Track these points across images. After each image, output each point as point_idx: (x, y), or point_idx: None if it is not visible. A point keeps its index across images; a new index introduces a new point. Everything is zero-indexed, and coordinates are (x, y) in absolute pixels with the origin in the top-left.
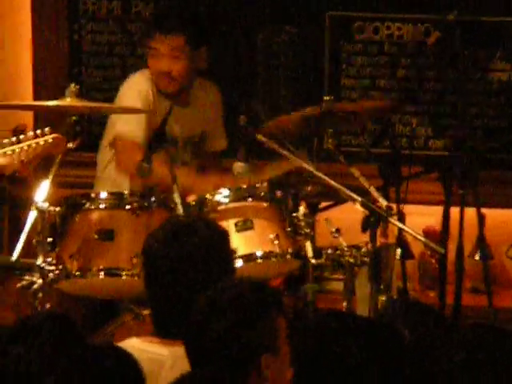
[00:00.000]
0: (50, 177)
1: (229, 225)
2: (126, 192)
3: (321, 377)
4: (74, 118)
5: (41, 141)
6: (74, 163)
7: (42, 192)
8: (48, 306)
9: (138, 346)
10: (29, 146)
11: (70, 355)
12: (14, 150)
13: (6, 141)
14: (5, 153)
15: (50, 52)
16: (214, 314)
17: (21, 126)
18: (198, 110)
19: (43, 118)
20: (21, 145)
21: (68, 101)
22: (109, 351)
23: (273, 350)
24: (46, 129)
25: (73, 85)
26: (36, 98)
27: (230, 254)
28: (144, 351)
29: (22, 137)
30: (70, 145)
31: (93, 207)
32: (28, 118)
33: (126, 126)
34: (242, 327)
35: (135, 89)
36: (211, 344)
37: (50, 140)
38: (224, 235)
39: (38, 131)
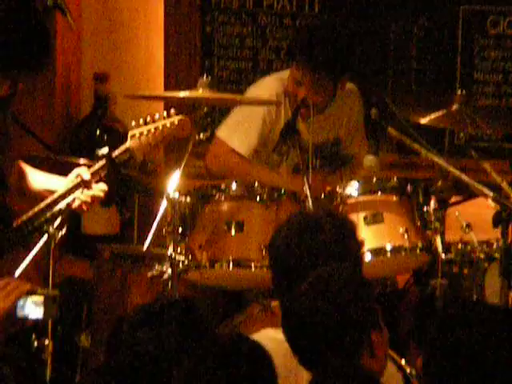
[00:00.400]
0: (181, 167)
1: (358, 218)
2: (256, 183)
3: (453, 366)
4: (205, 109)
5: (167, 122)
6: (205, 154)
7: (173, 182)
8: (177, 295)
9: (275, 336)
10: (156, 128)
11: (198, 342)
12: (141, 133)
13: (133, 123)
14: (133, 135)
15: (182, 43)
16: (323, 294)
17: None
18: (333, 115)
19: (174, 109)
20: (148, 127)
21: (200, 92)
22: (239, 341)
23: (379, 327)
24: (172, 110)
25: (205, 76)
26: (167, 89)
27: (358, 249)
28: (282, 341)
29: (148, 118)
30: (201, 136)
31: (223, 198)
32: (160, 108)
33: (234, 136)
34: (353, 304)
35: (264, 92)
36: (323, 326)
37: (176, 122)
38: (351, 230)
39: (164, 113)
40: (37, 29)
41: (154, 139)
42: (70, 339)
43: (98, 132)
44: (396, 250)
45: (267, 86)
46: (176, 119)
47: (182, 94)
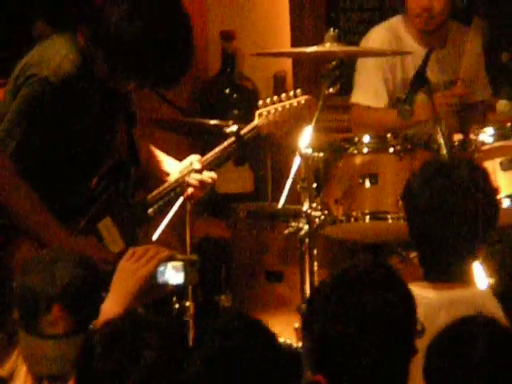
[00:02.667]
0: (313, 122)
1: (494, 164)
2: (388, 135)
3: None
4: (333, 62)
5: (294, 102)
6: (335, 107)
7: (306, 138)
8: (315, 252)
9: (412, 291)
10: (283, 107)
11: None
12: (269, 111)
13: (260, 102)
14: (261, 114)
15: None
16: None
17: (281, 72)
18: (456, 52)
19: (302, 64)
20: (275, 106)
21: (327, 46)
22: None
23: None
24: (298, 90)
25: (331, 29)
26: (294, 45)
27: (493, 195)
28: (418, 296)
29: (275, 98)
30: (331, 90)
31: (356, 151)
32: (287, 64)
33: (362, 95)
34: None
35: (372, 44)
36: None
37: (303, 102)
38: (485, 176)
39: (291, 93)
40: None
41: (281, 118)
42: (210, 300)
43: (227, 91)
44: None
45: (375, 37)
46: (302, 99)
47: (309, 49)
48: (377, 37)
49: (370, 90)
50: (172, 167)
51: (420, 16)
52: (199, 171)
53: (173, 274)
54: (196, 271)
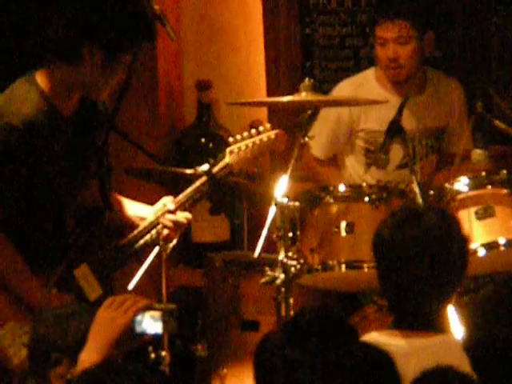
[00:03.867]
0: (288, 172)
1: (469, 213)
2: (364, 184)
3: None
4: (309, 112)
5: (264, 137)
6: None
7: (281, 187)
8: (291, 301)
9: (378, 339)
10: (253, 143)
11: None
12: (240, 148)
13: (231, 139)
14: (232, 151)
15: (282, 47)
16: None
17: (256, 122)
18: (435, 100)
19: (277, 114)
20: (246, 142)
21: (302, 95)
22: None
23: None
24: (268, 125)
25: (307, 79)
26: (269, 94)
27: (464, 242)
28: (385, 345)
29: (245, 134)
30: (306, 139)
31: (332, 200)
32: (263, 113)
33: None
34: None
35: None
36: None
37: (273, 136)
38: (456, 223)
39: (261, 128)
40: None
41: (252, 154)
42: (186, 349)
43: (203, 140)
44: (509, 243)
45: (340, 90)
46: (273, 133)
47: (285, 98)
48: (340, 90)
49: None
50: (145, 211)
51: (388, 67)
52: (173, 212)
53: (151, 324)
54: (174, 320)
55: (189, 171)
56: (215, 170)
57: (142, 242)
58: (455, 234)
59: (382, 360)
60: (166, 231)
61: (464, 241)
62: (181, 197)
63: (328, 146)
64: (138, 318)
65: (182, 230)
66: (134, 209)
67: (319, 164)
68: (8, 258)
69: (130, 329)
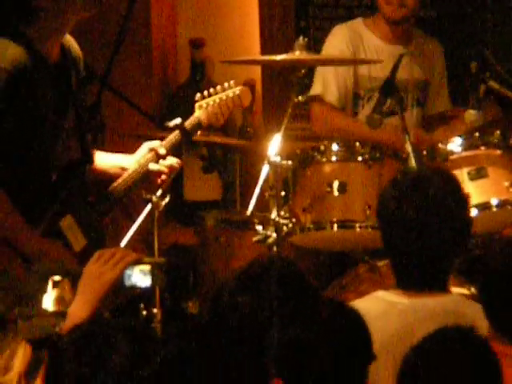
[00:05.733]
0: (281, 130)
1: (462, 173)
2: (357, 144)
3: None
4: (303, 71)
5: (230, 93)
6: (304, 116)
7: (274, 146)
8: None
9: (385, 297)
10: (220, 98)
11: (300, 304)
12: (208, 103)
13: (198, 95)
14: (201, 106)
15: (276, 6)
16: None
17: (250, 81)
18: (419, 53)
19: (271, 72)
20: (213, 98)
21: (297, 54)
22: (339, 307)
23: None
24: (232, 82)
25: (301, 38)
26: (263, 53)
27: (466, 205)
28: (392, 303)
29: (211, 90)
30: (300, 98)
31: (324, 160)
32: (257, 72)
33: (322, 88)
34: None
35: (332, 43)
36: None
37: (237, 92)
38: (458, 185)
39: (226, 84)
40: None
41: (220, 108)
42: (178, 306)
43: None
44: (502, 204)
45: (337, 33)
46: (237, 89)
47: (279, 57)
48: (339, 32)
49: (322, 82)
50: (126, 160)
51: (391, 3)
52: (164, 157)
53: (140, 277)
54: (163, 274)
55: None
56: (186, 123)
57: (125, 190)
58: (459, 197)
59: (349, 315)
60: (164, 176)
61: (467, 203)
62: (164, 142)
63: (339, 90)
64: (128, 271)
65: (174, 176)
66: (113, 159)
67: (336, 111)
68: (4, 210)
69: (119, 283)
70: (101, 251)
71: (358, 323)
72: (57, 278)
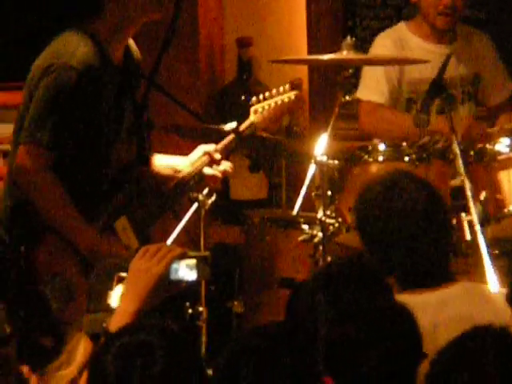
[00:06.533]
0: (328, 130)
1: (509, 174)
2: (404, 143)
3: None
4: (350, 70)
5: (285, 97)
6: (351, 116)
7: (321, 145)
8: (328, 259)
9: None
10: (275, 102)
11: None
12: (263, 107)
13: (254, 99)
14: (256, 110)
15: (324, 5)
16: None
17: (297, 80)
18: (468, 48)
19: (318, 72)
20: (268, 101)
21: (344, 54)
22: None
23: None
24: (287, 86)
25: (349, 37)
26: (310, 52)
27: (443, 204)
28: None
29: (267, 94)
30: (347, 98)
31: (371, 159)
32: (303, 71)
33: (366, 90)
34: None
35: (378, 50)
36: None
37: (293, 97)
38: (437, 196)
39: (281, 88)
40: None
41: (275, 113)
42: (223, 305)
43: (243, 97)
44: None
45: (379, 43)
46: (292, 94)
47: (326, 56)
48: (382, 40)
49: (371, 84)
50: (180, 162)
51: (441, 14)
52: (218, 162)
53: (186, 272)
54: (208, 267)
55: (228, 128)
56: (241, 127)
57: (183, 191)
58: (435, 199)
59: (405, 315)
60: (217, 180)
61: (442, 201)
62: (218, 147)
63: (385, 90)
64: (174, 265)
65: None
66: (167, 160)
67: (383, 108)
68: (59, 199)
69: (166, 277)
70: (146, 247)
71: (409, 321)
72: (123, 274)
